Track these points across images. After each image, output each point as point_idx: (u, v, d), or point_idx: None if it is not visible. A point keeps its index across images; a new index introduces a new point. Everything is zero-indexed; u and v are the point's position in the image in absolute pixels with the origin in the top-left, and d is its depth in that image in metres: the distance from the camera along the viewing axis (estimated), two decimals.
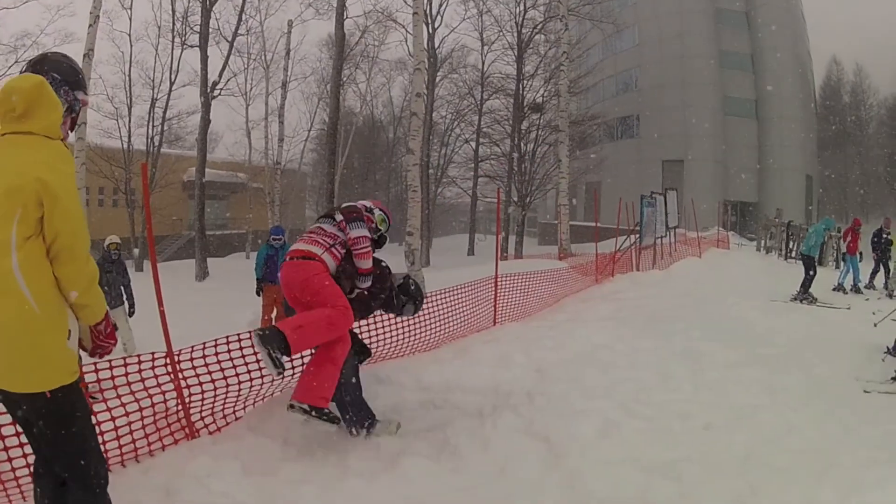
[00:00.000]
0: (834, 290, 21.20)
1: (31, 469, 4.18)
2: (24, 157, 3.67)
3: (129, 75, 47.76)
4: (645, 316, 13.01)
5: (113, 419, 5.86)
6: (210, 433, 6.66)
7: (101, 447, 4.42)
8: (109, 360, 6.20)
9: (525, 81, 49.21)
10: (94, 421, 4.18)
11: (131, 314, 14.71)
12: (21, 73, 4.02)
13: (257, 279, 16.51)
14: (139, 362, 6.39)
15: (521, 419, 6.98)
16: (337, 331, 6.20)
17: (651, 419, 7.05)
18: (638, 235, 23.43)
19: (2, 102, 3.76)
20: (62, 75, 4.06)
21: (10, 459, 5.15)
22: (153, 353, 6.49)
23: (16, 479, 5.17)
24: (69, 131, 4.14)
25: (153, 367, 6.45)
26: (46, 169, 3.63)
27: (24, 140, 3.74)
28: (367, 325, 9.43)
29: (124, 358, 6.34)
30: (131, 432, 5.99)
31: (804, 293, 18.27)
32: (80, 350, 4.03)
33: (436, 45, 50.55)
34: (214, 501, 5.27)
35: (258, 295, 16.28)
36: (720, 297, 15.96)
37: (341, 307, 6.24)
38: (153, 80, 48.56)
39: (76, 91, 4.14)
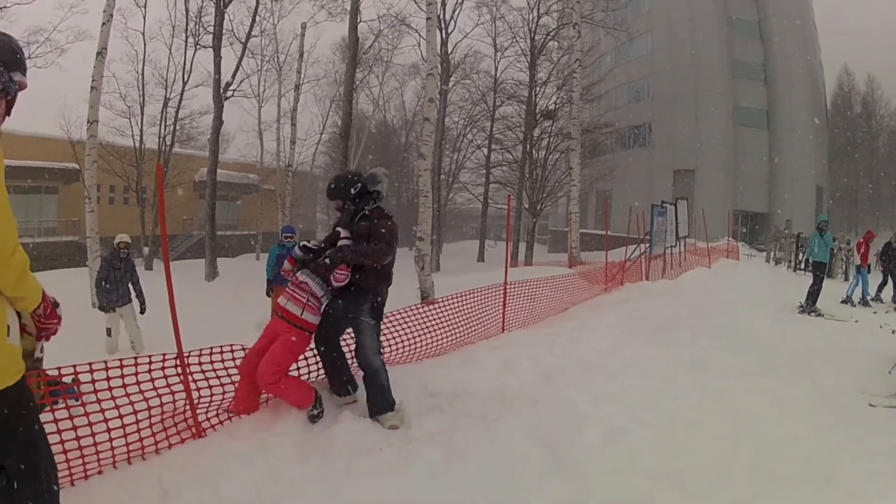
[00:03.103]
0: (842, 302, 21.13)
1: None
2: None
3: (143, 74, 48.27)
4: (653, 324, 12.98)
5: (121, 416, 5.91)
6: (216, 433, 6.68)
7: (108, 443, 4.37)
8: (120, 360, 6.25)
9: (538, 88, 49.13)
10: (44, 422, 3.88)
11: (142, 311, 14.78)
12: None
13: (268, 280, 16.48)
14: (150, 361, 6.43)
15: (526, 425, 6.99)
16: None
17: (657, 427, 7.07)
18: (648, 244, 23.38)
19: None
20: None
21: None
22: (164, 354, 6.54)
23: None
24: (5, 115, 3.76)
25: (163, 367, 6.51)
26: None
27: None
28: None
29: (135, 357, 6.39)
30: (139, 430, 6.02)
31: (811, 305, 18.22)
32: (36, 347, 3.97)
33: (449, 51, 50.46)
34: (217, 500, 5.31)
35: (268, 296, 16.24)
36: (729, 306, 15.92)
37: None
38: (166, 80, 49.01)
39: (13, 72, 3.72)
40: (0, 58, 3.67)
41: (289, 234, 16.15)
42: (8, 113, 3.77)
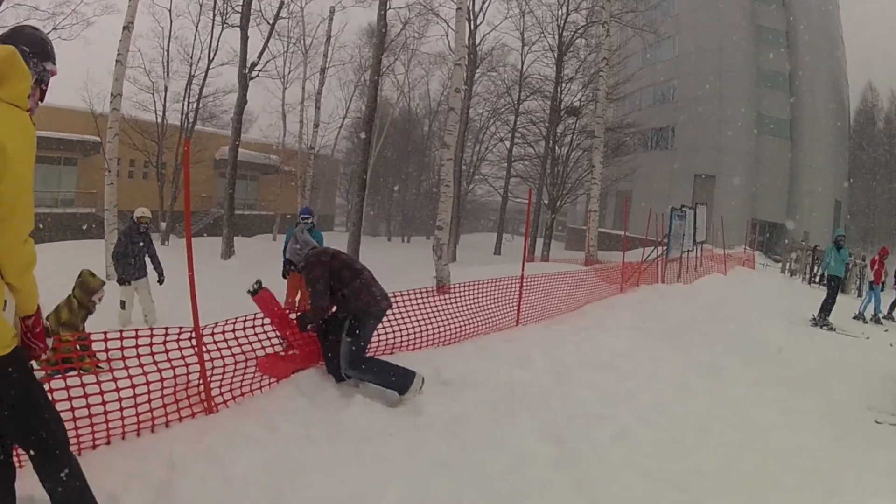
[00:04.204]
0: (854, 318, 21.09)
1: None
2: None
3: (168, 51, 48.29)
4: (668, 327, 13.00)
5: (133, 386, 5.92)
6: (228, 409, 6.73)
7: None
8: (136, 329, 6.30)
9: (563, 84, 48.88)
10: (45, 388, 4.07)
11: (160, 282, 14.86)
12: None
13: (284, 261, 16.42)
14: (165, 333, 6.45)
15: (536, 419, 7.02)
16: None
17: (666, 430, 7.10)
18: (665, 247, 23.38)
19: None
20: (31, 47, 3.96)
21: None
22: (180, 327, 6.55)
23: None
24: (38, 102, 4.05)
25: (178, 340, 6.53)
26: (6, 131, 3.54)
27: None
28: (389, 311, 9.58)
29: (151, 329, 6.44)
30: (150, 401, 6.04)
31: (824, 319, 18.21)
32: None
33: (476, 42, 50.31)
34: (224, 479, 5.32)
35: (284, 277, 16.21)
36: (743, 315, 15.88)
37: None
38: (191, 57, 48.99)
39: (45, 62, 4.06)
40: (34, 50, 3.96)
41: (306, 216, 16.05)
42: (41, 99, 4.04)
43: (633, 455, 6.33)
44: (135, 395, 5.92)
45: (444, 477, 5.61)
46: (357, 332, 7.63)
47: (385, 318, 8.84)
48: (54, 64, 4.17)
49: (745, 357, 10.73)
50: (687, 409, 7.83)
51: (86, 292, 10.27)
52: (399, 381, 7.44)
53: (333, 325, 7.93)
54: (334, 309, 7.99)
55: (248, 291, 7.77)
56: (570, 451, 6.28)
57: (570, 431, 6.70)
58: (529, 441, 6.47)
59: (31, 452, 3.89)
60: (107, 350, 6.02)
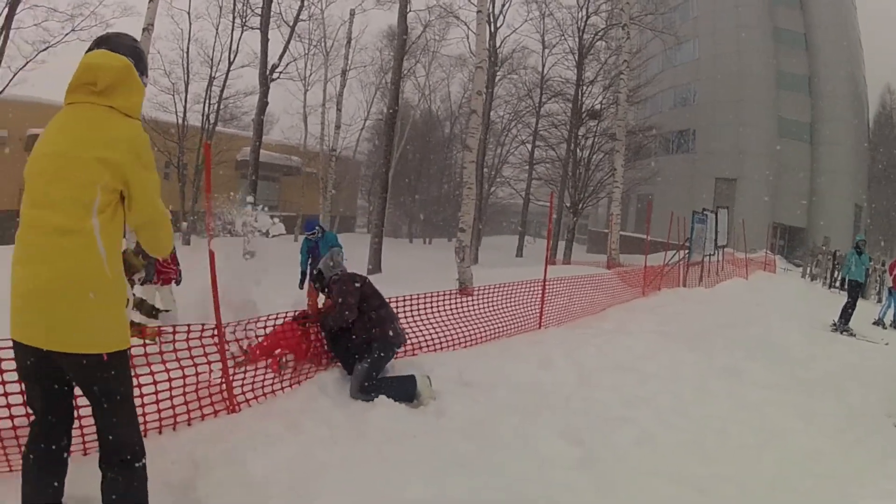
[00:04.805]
0: (874, 324, 20.90)
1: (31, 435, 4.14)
2: (113, 136, 3.80)
3: (188, 53, 48.26)
4: (689, 331, 12.98)
5: (154, 383, 5.93)
6: (250, 409, 6.74)
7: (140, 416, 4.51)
8: (158, 327, 6.35)
9: (584, 87, 48.67)
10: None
11: (178, 283, 14.96)
12: (89, 49, 4.15)
13: (301, 272, 16.52)
14: (188, 331, 6.48)
15: (558, 421, 7.03)
16: None
17: (686, 433, 7.09)
18: (687, 251, 23.32)
19: (85, 73, 3.88)
20: (134, 59, 4.11)
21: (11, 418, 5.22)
22: (202, 325, 6.58)
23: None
24: None
25: (201, 338, 6.54)
26: (137, 147, 3.85)
27: (106, 113, 3.85)
28: (412, 314, 9.74)
29: (174, 326, 6.48)
30: (171, 398, 6.05)
31: (845, 324, 18.12)
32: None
33: (497, 45, 50.03)
34: (246, 478, 5.32)
35: (300, 288, 16.26)
36: (764, 319, 15.83)
37: None
38: (212, 59, 48.97)
39: (143, 76, 4.20)
40: (137, 64, 4.15)
41: (311, 232, 16.09)
42: None
43: (653, 458, 6.34)
44: (156, 392, 5.94)
45: (466, 477, 5.60)
46: (375, 361, 7.71)
47: (409, 320, 9.20)
48: (147, 76, 4.33)
49: (765, 361, 10.71)
50: (707, 412, 7.83)
51: (127, 271, 10.31)
52: (404, 391, 7.51)
53: (346, 342, 8.12)
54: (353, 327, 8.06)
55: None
56: (591, 453, 6.28)
57: (591, 433, 6.70)
58: (551, 443, 6.47)
59: (110, 438, 3.99)
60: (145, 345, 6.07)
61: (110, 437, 4.00)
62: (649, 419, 7.34)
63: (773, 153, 54.59)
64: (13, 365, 4.13)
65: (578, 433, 6.69)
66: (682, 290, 20.84)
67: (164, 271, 12.60)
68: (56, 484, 4.07)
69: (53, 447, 4.04)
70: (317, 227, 15.95)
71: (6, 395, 5.10)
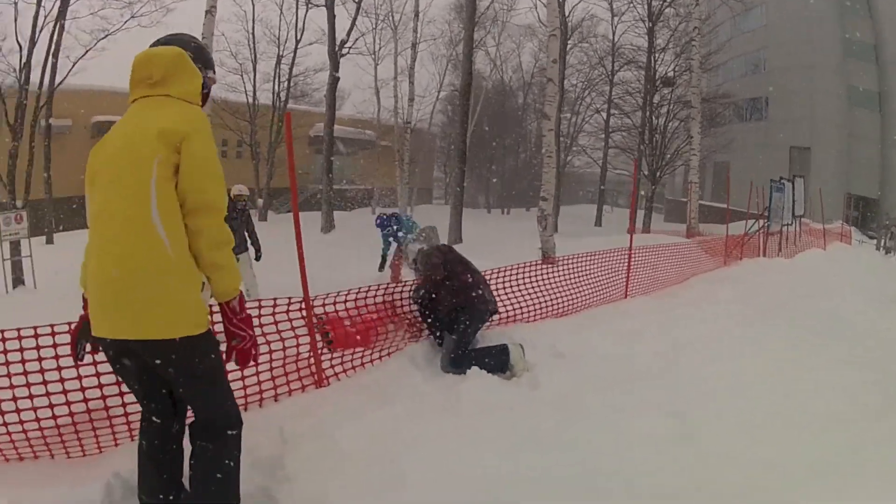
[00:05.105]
0: None
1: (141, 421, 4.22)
2: (169, 113, 3.77)
3: (253, 33, 49.67)
4: (771, 303, 12.61)
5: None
6: (338, 382, 6.65)
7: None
8: (242, 300, 6.31)
9: (656, 54, 48.74)
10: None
11: (258, 258, 14.98)
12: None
13: (382, 257, 16.62)
14: (274, 305, 6.42)
15: (656, 394, 6.78)
16: None
17: (775, 411, 6.81)
18: (766, 220, 22.94)
19: (139, 69, 3.91)
20: (193, 53, 4.12)
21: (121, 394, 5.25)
22: (289, 298, 6.51)
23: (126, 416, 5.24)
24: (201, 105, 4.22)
25: (287, 312, 6.48)
26: (194, 122, 3.77)
27: (165, 100, 3.86)
28: (502, 285, 9.66)
29: (259, 301, 6.38)
30: (258, 373, 6.00)
31: None
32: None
33: (566, 13, 49.82)
34: (335, 453, 5.20)
35: (380, 270, 16.39)
36: (844, 292, 15.38)
37: None
38: (278, 38, 50.38)
39: (207, 70, 4.25)
40: (196, 56, 4.16)
41: (385, 229, 16.11)
42: (203, 104, 4.20)
43: (747, 437, 6.04)
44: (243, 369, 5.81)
45: (563, 453, 5.38)
46: (464, 332, 7.56)
47: (496, 291, 8.98)
48: (214, 73, 4.42)
49: (845, 337, 10.31)
50: (792, 389, 7.52)
51: None
52: (496, 361, 7.37)
53: (434, 313, 8.00)
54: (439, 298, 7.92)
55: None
56: (688, 429, 5.99)
57: (686, 409, 6.40)
58: (646, 418, 6.18)
59: (198, 414, 4.02)
60: (212, 324, 5.94)
61: (198, 414, 4.01)
62: (741, 394, 7.05)
63: (844, 122, 53.27)
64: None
65: (675, 408, 6.42)
66: (763, 259, 20.46)
67: None
68: (166, 476, 4.09)
69: (161, 435, 4.11)
70: (391, 223, 15.91)
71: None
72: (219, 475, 3.95)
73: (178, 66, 3.91)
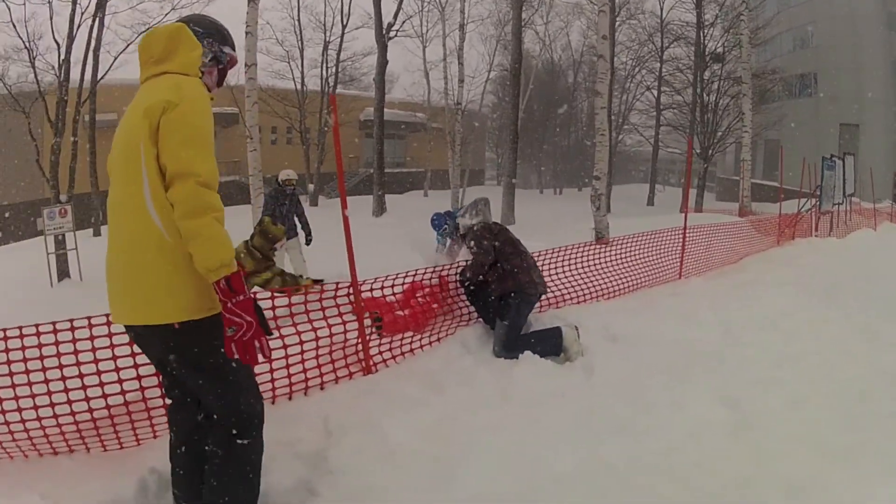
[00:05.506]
0: None
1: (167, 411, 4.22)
2: (159, 89, 3.65)
3: (299, 20, 49.90)
4: (825, 285, 12.30)
5: (284, 346, 5.74)
6: (387, 370, 6.51)
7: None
8: (287, 287, 6.16)
9: (705, 30, 48.78)
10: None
11: (308, 242, 14.95)
12: None
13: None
14: (321, 290, 6.32)
15: (712, 380, 6.58)
16: None
17: (833, 397, 6.57)
18: (817, 199, 22.55)
19: (143, 49, 3.90)
20: (204, 28, 4.13)
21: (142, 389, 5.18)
22: (337, 283, 6.41)
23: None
24: (216, 84, 4.28)
25: (335, 297, 6.36)
26: (180, 91, 3.60)
27: (161, 78, 3.77)
28: (552, 266, 9.55)
29: (305, 287, 6.27)
30: (303, 361, 5.89)
31: None
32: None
33: None
34: (384, 446, 5.06)
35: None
36: (894, 273, 15.17)
37: None
38: (324, 24, 50.54)
39: (223, 46, 4.21)
40: (208, 31, 4.14)
41: (441, 229, 15.94)
42: (220, 83, 4.31)
43: (805, 425, 5.78)
44: (286, 356, 5.74)
45: (621, 442, 5.21)
46: (515, 316, 7.39)
47: (549, 272, 9.02)
48: (233, 50, 4.32)
49: None
50: (850, 375, 7.26)
51: (268, 241, 10.17)
52: (549, 344, 7.21)
53: (484, 296, 7.87)
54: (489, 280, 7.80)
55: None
56: (746, 417, 5.79)
57: (745, 395, 6.19)
58: (706, 405, 5.99)
59: (209, 410, 3.90)
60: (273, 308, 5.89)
61: (209, 409, 3.91)
62: (798, 381, 6.80)
63: (891, 98, 52.38)
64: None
65: (732, 395, 6.21)
66: (815, 239, 20.09)
67: None
68: (195, 469, 3.99)
69: (185, 426, 4.04)
70: (445, 221, 15.58)
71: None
72: (227, 488, 3.84)
73: (176, 40, 3.86)
